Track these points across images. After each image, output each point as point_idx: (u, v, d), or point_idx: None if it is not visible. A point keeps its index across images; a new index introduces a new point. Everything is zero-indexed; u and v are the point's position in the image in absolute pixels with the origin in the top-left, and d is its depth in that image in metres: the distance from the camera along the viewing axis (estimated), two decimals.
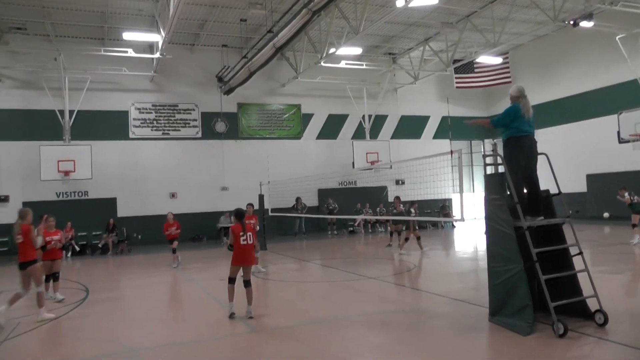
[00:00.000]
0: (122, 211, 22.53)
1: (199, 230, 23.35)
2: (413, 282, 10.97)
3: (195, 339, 7.51)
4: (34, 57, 21.37)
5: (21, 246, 8.80)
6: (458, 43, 23.03)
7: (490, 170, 7.49)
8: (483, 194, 7.49)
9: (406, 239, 16.04)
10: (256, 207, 20.11)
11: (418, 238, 16.20)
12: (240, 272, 8.46)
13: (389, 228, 18.68)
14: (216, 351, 6.85)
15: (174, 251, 15.24)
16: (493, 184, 7.29)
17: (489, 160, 7.51)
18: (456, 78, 25.95)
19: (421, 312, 8.19)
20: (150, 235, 21.94)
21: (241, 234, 8.37)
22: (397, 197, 17.24)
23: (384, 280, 11.35)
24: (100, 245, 20.57)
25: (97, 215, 21.16)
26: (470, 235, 21.67)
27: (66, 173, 20.35)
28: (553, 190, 7.49)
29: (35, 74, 21.46)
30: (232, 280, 8.40)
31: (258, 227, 11.94)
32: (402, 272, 12.74)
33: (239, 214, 8.67)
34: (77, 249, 20.24)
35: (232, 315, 8.25)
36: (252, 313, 8.28)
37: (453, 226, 26.09)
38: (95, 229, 21.17)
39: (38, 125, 21.65)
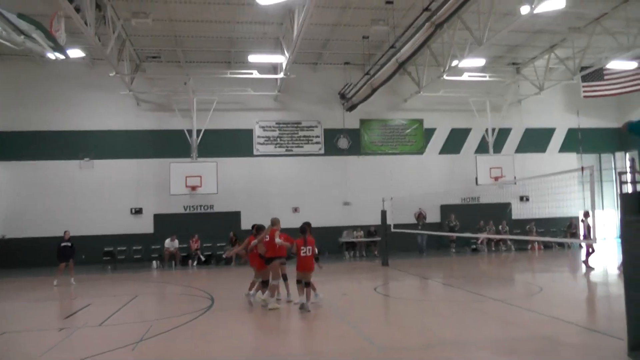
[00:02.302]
0: (246, 224, 23.35)
1: (321, 244, 23.13)
2: (539, 307, 10.31)
3: (320, 352, 7.67)
4: (166, 82, 23.06)
5: (267, 244, 10.92)
6: (586, 49, 21.59)
7: (627, 188, 6.88)
8: (618, 214, 6.90)
9: None
10: (378, 222, 20.20)
11: None
12: None
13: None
14: None
15: (285, 278, 11.82)
16: (631, 203, 6.61)
17: (625, 177, 6.90)
18: (584, 87, 24.19)
19: (550, 340, 7.66)
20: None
21: (302, 247, 10.38)
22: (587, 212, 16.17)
23: (509, 302, 10.85)
24: (224, 256, 21.58)
25: (221, 228, 22.24)
26: (600, 257, 20.15)
27: (193, 188, 21.50)
28: None
29: (167, 97, 23.15)
30: (300, 282, 10.49)
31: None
32: (528, 295, 12.11)
33: (302, 230, 10.68)
34: (203, 259, 21.48)
35: (301, 306, 10.26)
36: (309, 308, 10.20)
37: (580, 247, 24.32)
38: (220, 241, 22.20)
39: (169, 144, 23.18)
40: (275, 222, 11.31)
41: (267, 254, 11.00)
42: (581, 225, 16.85)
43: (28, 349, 8.08)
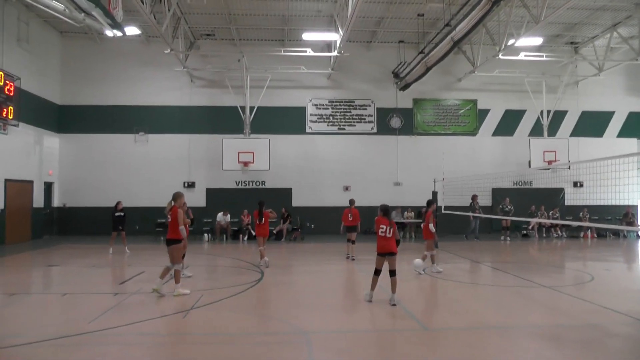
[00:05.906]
0: (297, 201, 23.85)
1: (371, 223, 23.62)
2: (590, 295, 10.09)
3: (366, 329, 7.72)
4: (220, 60, 23.47)
5: (170, 225, 9.85)
6: None
7: None
8: None
9: None
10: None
11: None
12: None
13: None
14: (387, 343, 6.94)
15: (353, 242, 15.37)
16: None
17: None
18: None
19: (598, 330, 7.49)
20: (323, 225, 23.04)
21: (381, 226, 9.20)
22: None
23: (558, 290, 10.68)
24: (274, 232, 21.96)
25: (273, 204, 22.58)
26: None
27: (245, 164, 21.94)
28: None
29: (220, 75, 23.52)
30: (377, 272, 9.29)
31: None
32: (578, 283, 11.88)
33: (384, 210, 9.44)
34: (254, 233, 21.85)
35: (369, 301, 9.17)
36: (395, 301, 8.97)
37: (637, 236, 23.51)
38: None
39: (222, 120, 23.62)
40: (176, 197, 10.00)
41: (168, 235, 9.85)
42: None
43: (88, 309, 8.51)
